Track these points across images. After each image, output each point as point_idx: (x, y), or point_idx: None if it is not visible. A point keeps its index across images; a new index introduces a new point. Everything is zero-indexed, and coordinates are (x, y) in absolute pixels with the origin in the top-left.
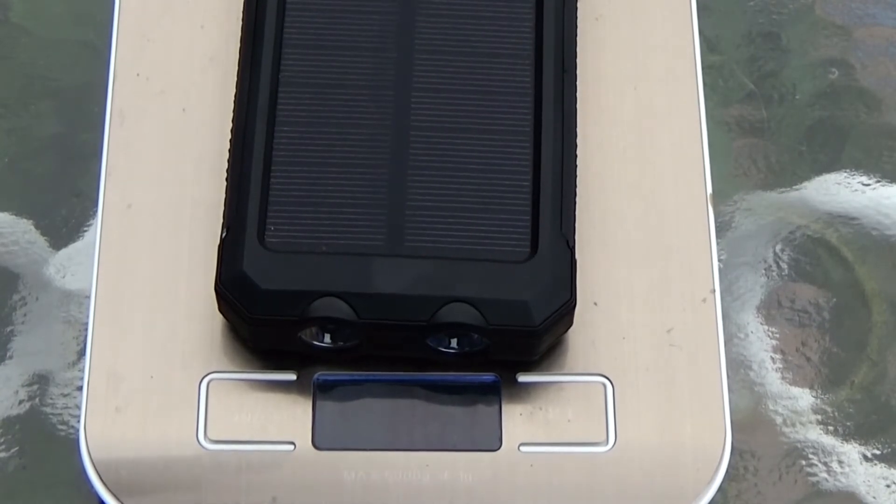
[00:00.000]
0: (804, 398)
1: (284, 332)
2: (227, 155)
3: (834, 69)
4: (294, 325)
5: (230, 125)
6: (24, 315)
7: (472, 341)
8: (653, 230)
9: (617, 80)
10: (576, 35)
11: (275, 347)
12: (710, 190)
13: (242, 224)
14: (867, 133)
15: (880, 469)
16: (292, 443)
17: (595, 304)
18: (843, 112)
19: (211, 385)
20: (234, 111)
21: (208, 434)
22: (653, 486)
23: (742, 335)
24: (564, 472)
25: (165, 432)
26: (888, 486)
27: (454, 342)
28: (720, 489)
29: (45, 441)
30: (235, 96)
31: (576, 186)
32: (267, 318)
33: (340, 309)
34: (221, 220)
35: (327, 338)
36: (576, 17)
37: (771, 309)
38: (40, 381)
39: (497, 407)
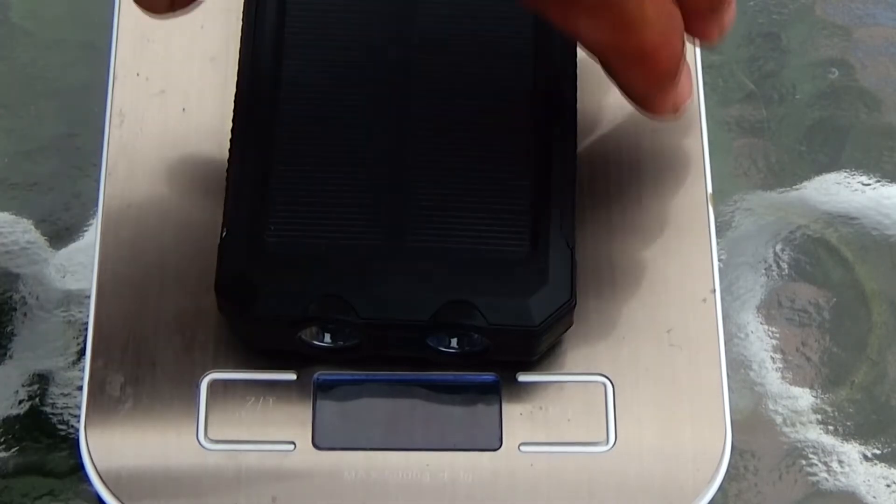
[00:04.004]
0: (804, 398)
1: (284, 332)
2: (227, 155)
3: (834, 69)
4: (294, 324)
5: (230, 125)
6: (24, 315)
7: (472, 341)
8: (653, 230)
9: None
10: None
11: (275, 347)
12: (710, 190)
13: (242, 224)
14: (867, 133)
15: (880, 469)
16: (292, 443)
17: (595, 304)
18: (843, 112)
19: (211, 385)
20: (234, 111)
21: (208, 434)
22: (653, 486)
23: (742, 335)
24: (564, 471)
25: (165, 432)
26: (888, 485)
27: (454, 342)
28: (720, 489)
29: (45, 441)
30: (235, 96)
31: (576, 186)
32: (267, 317)
33: (340, 309)
34: (221, 220)
35: (327, 337)
36: None
37: (771, 309)
38: (40, 381)
39: (497, 407)
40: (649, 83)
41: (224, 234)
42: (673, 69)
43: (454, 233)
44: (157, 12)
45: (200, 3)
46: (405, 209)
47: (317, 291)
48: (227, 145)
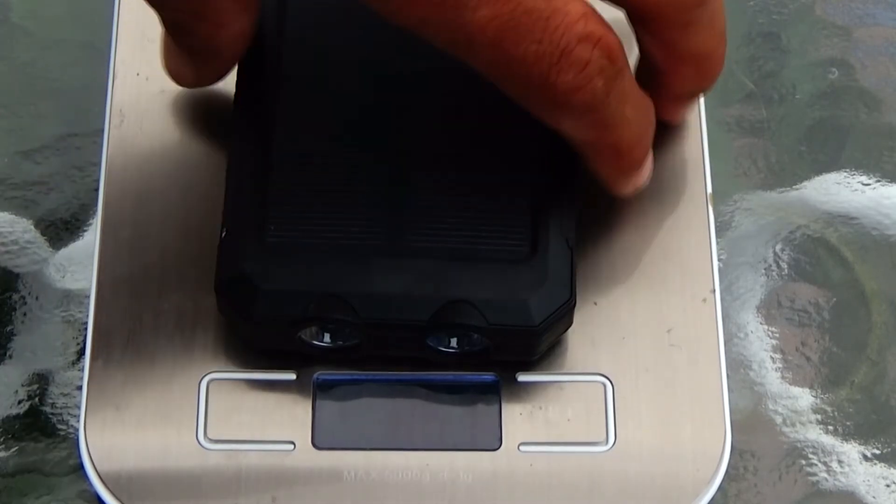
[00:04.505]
0: (804, 398)
1: (285, 332)
2: (226, 155)
3: (834, 69)
4: (294, 324)
5: (230, 125)
6: (24, 315)
7: (472, 341)
8: (653, 230)
9: None
10: None
11: (275, 347)
12: (710, 190)
13: (242, 224)
14: (867, 133)
15: (880, 469)
16: (292, 443)
17: (595, 304)
18: (843, 112)
19: (211, 385)
20: (233, 111)
21: (208, 434)
22: (653, 486)
23: (742, 335)
24: (564, 471)
25: (165, 432)
26: (888, 485)
27: (454, 342)
28: (720, 489)
29: (45, 441)
30: (235, 96)
31: (577, 186)
32: (267, 317)
33: (341, 309)
34: (221, 220)
35: (327, 337)
36: None
37: (771, 309)
38: (40, 381)
39: (497, 407)
40: (619, 172)
41: (224, 233)
42: (642, 160)
43: (454, 232)
44: (184, 85)
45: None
46: (405, 209)
47: (317, 291)
48: (227, 146)
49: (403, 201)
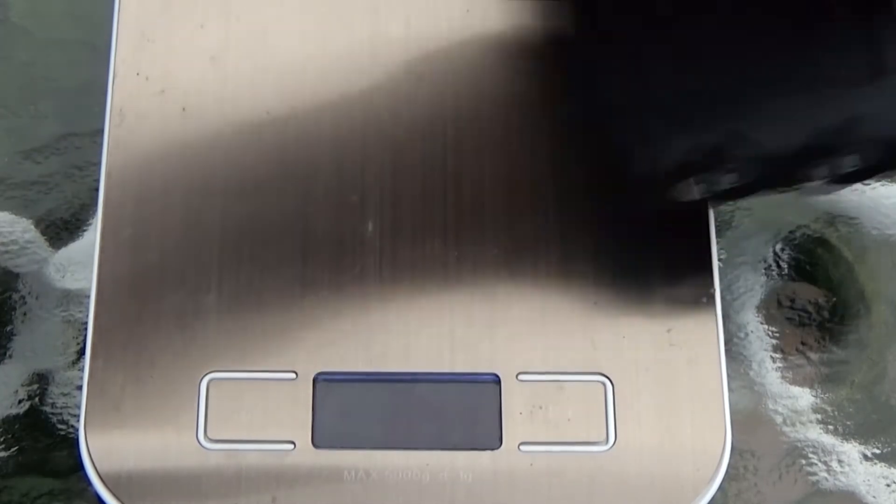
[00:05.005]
0: (804, 397)
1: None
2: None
3: None
4: (697, 168)
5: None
6: (24, 315)
7: (861, 159)
8: (653, 230)
9: None
10: None
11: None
12: None
13: None
14: None
15: (880, 468)
16: (292, 442)
17: (595, 303)
18: None
19: (211, 384)
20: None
21: (208, 434)
22: (653, 486)
23: (742, 335)
24: (564, 471)
25: (165, 432)
26: (888, 485)
27: (842, 164)
28: (720, 489)
29: (45, 441)
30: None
31: None
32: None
33: (743, 143)
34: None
35: (726, 177)
36: None
37: (771, 308)
38: (40, 381)
39: (497, 406)
40: None
41: None
42: None
43: None
44: None
45: None
46: None
47: (720, 129)
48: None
49: None
